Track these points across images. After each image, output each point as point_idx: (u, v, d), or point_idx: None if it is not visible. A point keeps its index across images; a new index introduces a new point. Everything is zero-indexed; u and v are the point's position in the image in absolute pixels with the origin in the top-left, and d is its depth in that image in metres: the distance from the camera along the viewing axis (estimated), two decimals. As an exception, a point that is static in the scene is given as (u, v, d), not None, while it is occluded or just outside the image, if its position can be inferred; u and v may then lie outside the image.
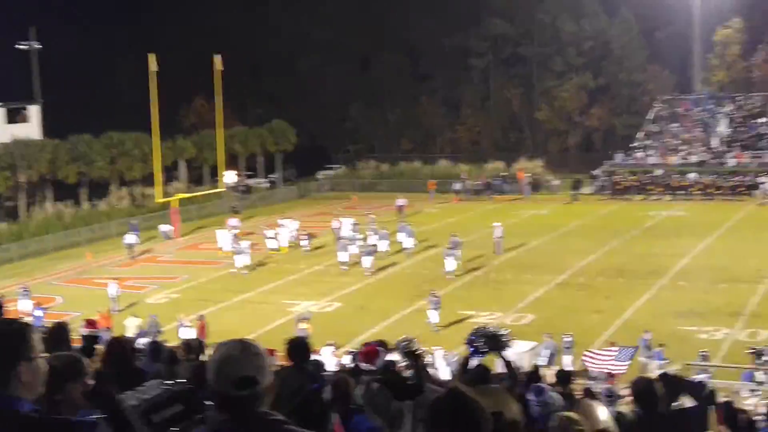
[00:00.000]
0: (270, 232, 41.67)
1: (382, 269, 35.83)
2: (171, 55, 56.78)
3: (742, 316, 27.12)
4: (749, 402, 17.22)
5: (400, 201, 51.18)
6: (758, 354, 21.29)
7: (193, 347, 10.24)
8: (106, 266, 39.76)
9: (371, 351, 8.63)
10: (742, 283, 31.12)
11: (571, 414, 4.85)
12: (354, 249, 36.99)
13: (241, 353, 3.16)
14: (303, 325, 24.99)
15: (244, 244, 37.91)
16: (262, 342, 3.45)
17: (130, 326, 26.08)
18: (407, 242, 38.54)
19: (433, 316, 27.03)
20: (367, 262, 35.52)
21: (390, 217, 47.10)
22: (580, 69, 73.41)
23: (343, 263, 36.18)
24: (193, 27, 79.06)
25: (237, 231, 42.03)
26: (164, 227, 46.60)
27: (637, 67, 72.47)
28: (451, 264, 33.30)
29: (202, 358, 10.08)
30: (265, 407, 3.16)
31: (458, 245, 35.38)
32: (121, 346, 7.40)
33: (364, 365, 8.45)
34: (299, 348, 7.60)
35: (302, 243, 40.72)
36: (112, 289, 31.14)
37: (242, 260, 36.60)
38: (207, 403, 3.18)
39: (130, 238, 41.81)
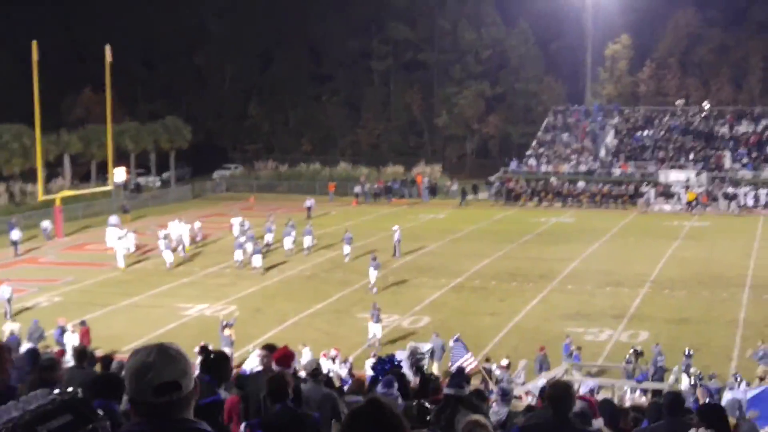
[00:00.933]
0: (162, 233, 39.57)
1: (278, 269, 35.74)
2: (57, 44, 54.10)
3: (624, 318, 28.32)
4: (630, 398, 18.13)
5: (308, 202, 51.42)
6: (638, 354, 22.43)
7: (85, 354, 10.05)
8: None
9: (287, 354, 8.68)
10: (625, 286, 32.55)
11: (479, 417, 4.98)
12: (248, 247, 36.87)
13: (160, 357, 2.98)
14: (227, 332, 24.39)
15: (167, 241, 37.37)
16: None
17: (5, 332, 24.59)
18: (307, 241, 39.21)
19: (375, 329, 25.72)
20: (257, 261, 35.62)
21: (296, 218, 46.87)
22: (478, 77, 74.94)
23: (237, 262, 36.32)
24: (82, 15, 75.97)
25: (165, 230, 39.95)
26: (45, 223, 43.75)
27: (532, 78, 74.57)
28: (372, 275, 31.96)
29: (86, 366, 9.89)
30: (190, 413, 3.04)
31: (350, 240, 37.61)
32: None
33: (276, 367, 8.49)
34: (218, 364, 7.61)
35: (179, 249, 38.45)
36: (5, 291, 29.08)
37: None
38: (99, 412, 3.08)
39: (15, 234, 39.85)
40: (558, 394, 6.21)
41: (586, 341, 25.39)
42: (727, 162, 58.05)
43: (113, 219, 43.24)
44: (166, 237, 38.06)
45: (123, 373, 3.06)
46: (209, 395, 7.26)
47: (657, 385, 19.89)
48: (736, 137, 61.22)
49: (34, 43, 42.08)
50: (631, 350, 22.81)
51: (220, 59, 78.90)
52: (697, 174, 56.40)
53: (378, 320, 25.30)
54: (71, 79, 69.45)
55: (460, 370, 8.12)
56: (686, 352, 21.75)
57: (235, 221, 42.13)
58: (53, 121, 53.85)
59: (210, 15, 78.71)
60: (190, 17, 77.99)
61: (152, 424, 2.96)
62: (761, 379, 19.89)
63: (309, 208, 50.75)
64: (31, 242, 42.84)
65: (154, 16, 76.78)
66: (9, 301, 28.99)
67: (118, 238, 38.26)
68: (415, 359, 8.46)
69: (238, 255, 36.40)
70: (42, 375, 7.39)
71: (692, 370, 20.83)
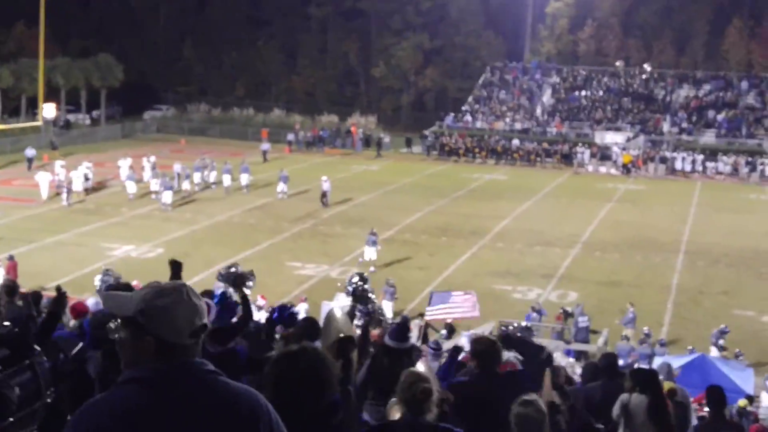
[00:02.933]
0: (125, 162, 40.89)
1: (206, 214, 35.17)
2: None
3: (554, 277, 28.56)
4: (562, 361, 18.21)
5: (264, 146, 52.11)
6: (567, 314, 22.58)
7: (13, 289, 9.55)
8: None
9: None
10: (556, 246, 32.75)
11: (420, 371, 4.80)
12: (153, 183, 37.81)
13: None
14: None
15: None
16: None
17: None
18: (245, 179, 40.53)
19: (369, 253, 28.16)
20: (166, 197, 36.03)
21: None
22: (417, 29, 74.30)
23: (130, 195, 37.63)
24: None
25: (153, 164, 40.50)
26: None
27: (472, 32, 74.17)
28: (370, 252, 29.10)
29: (17, 301, 9.42)
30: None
31: (286, 179, 39.22)
32: None
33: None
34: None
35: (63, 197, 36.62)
36: None
37: (167, 195, 35.97)
38: (35, 347, 2.88)
39: (30, 152, 41.97)
40: (484, 349, 6.09)
41: (515, 299, 25.60)
42: (666, 126, 58.30)
43: (29, 152, 44.60)
44: (130, 167, 39.56)
45: (142, 308, 2.82)
46: None
47: (586, 347, 20.04)
48: (676, 101, 61.56)
49: None
50: (560, 310, 22.95)
51: (155, -2, 76.86)
52: (634, 136, 56.77)
53: (392, 298, 23.74)
54: (4, 13, 66.95)
55: (404, 320, 7.98)
56: (722, 328, 21.26)
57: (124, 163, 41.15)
58: (-16, 54, 52.39)
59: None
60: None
61: (173, 366, 2.80)
62: (627, 338, 20.28)
63: (265, 152, 51.39)
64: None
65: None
66: None
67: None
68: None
69: (131, 187, 37.54)
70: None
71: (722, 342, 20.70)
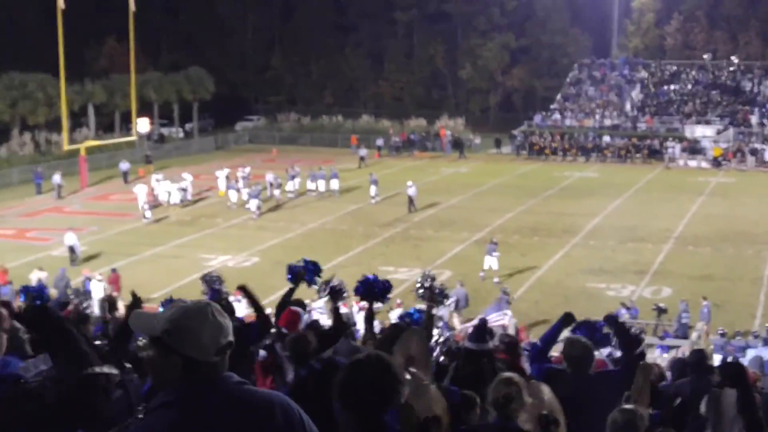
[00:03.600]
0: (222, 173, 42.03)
1: (300, 222, 35.86)
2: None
3: (647, 274, 28.17)
4: (654, 357, 18.05)
5: (362, 151, 53.07)
6: (661, 311, 22.29)
7: (114, 304, 10.15)
8: (6, 216, 37.91)
9: (293, 317, 8.60)
10: (649, 242, 32.31)
11: (512, 375, 4.74)
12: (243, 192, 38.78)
13: (220, 316, 2.95)
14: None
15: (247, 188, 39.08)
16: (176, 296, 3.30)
17: (33, 279, 24.92)
18: (334, 184, 41.53)
19: (490, 262, 27.30)
20: (253, 205, 37.06)
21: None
22: (503, 29, 73.95)
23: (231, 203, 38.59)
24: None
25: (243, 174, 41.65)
26: (56, 178, 42.42)
27: (558, 30, 73.42)
28: (490, 262, 27.95)
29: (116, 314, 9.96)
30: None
31: (376, 182, 40.04)
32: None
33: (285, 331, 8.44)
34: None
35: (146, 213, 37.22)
36: (71, 238, 29.47)
37: (254, 203, 37.17)
38: (126, 365, 3.01)
39: (57, 178, 41.58)
40: (579, 354, 6.16)
41: (609, 297, 25.35)
42: (754, 118, 57.02)
43: (123, 165, 45.83)
44: (227, 177, 41.03)
45: (169, 328, 2.92)
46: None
47: (680, 342, 19.79)
48: (763, 93, 60.02)
49: None
50: (654, 307, 22.66)
51: (243, 9, 78.55)
52: (724, 129, 55.59)
53: (507, 306, 23.05)
54: (95, 29, 69.26)
55: (483, 322, 8.08)
56: None
57: (221, 174, 42.10)
58: (77, 70, 53.85)
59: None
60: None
61: (202, 385, 2.90)
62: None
63: (362, 158, 52.31)
64: (51, 193, 42.91)
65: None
66: (73, 248, 29.42)
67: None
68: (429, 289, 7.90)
69: (233, 196, 38.57)
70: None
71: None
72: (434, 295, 7.85)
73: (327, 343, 7.55)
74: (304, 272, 8.33)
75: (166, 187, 39.68)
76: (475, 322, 9.68)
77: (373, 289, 8.02)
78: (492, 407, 4.63)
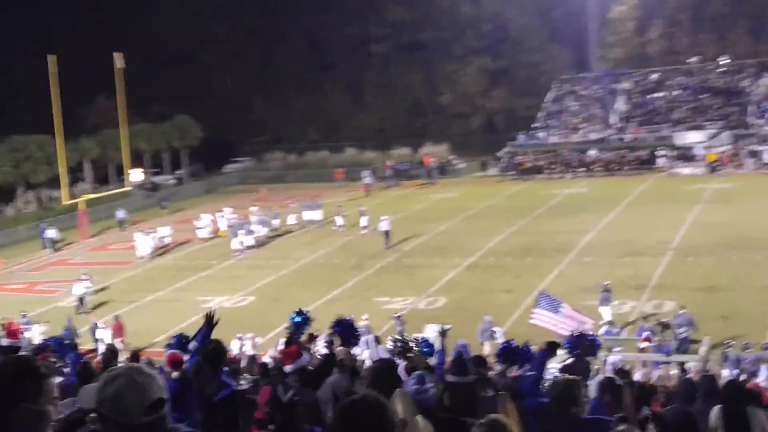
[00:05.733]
0: (200, 223, 43.08)
1: (292, 258, 35.77)
2: (69, 54, 54.90)
3: (647, 288, 27.70)
4: (657, 374, 17.61)
5: (368, 179, 54.10)
6: (664, 326, 21.70)
7: (116, 354, 10.02)
8: (16, 272, 39.16)
9: (293, 352, 8.55)
10: (646, 255, 31.81)
11: (499, 417, 4.53)
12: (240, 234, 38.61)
13: (143, 377, 3.02)
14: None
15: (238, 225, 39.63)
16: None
17: (35, 334, 25.03)
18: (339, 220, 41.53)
19: (605, 313, 24.00)
20: (234, 244, 37.87)
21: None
22: (479, 52, 74.33)
23: (234, 251, 38.04)
24: (89, 24, 77.14)
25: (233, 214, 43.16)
26: (51, 232, 44.37)
27: (535, 48, 73.82)
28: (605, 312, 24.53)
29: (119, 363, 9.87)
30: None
31: (363, 212, 40.18)
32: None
33: (288, 367, 8.36)
34: (214, 355, 7.53)
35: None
36: (80, 288, 30.33)
37: (240, 240, 37.84)
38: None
39: (51, 233, 43.49)
40: (557, 392, 5.99)
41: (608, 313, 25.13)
42: (750, 118, 55.99)
43: (120, 213, 48.14)
44: (212, 223, 42.37)
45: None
46: (217, 389, 7.17)
47: (684, 358, 19.15)
48: (758, 92, 58.82)
49: (52, 58, 44.14)
50: (656, 322, 22.17)
51: (223, 57, 79.57)
52: (717, 133, 54.38)
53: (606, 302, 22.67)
54: (86, 88, 70.21)
55: (460, 353, 7.92)
56: None
57: (227, 211, 43.76)
58: (72, 128, 55.38)
59: (210, 16, 79.50)
60: (192, 19, 78.83)
61: None
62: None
63: (368, 185, 53.61)
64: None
65: (157, 22, 78.02)
66: (82, 299, 30.24)
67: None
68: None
69: (235, 244, 38.23)
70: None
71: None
72: (408, 349, 8.11)
73: (314, 377, 7.49)
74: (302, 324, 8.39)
75: (146, 241, 39.64)
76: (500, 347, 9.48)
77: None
78: None
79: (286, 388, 7.56)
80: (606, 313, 23.93)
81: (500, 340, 21.36)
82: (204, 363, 7.53)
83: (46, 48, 46.81)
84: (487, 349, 20.91)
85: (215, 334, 8.39)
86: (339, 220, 41.41)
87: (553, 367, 9.13)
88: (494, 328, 22.67)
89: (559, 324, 18.64)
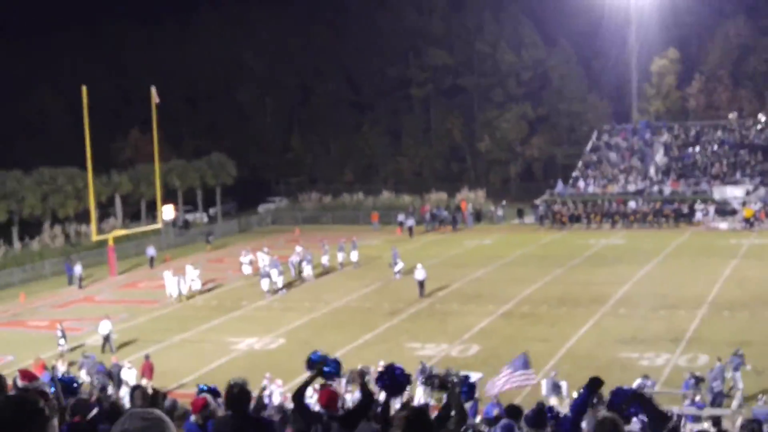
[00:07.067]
0: (245, 258, 42.81)
1: (324, 301, 35.50)
2: (103, 86, 55.45)
3: (682, 341, 27.36)
4: (693, 428, 17.27)
5: (409, 221, 54.31)
6: (697, 380, 21.34)
7: (157, 397, 9.81)
8: (40, 308, 38.42)
9: (332, 394, 8.27)
10: (682, 309, 31.50)
11: None
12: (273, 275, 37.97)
13: (161, 425, 2.97)
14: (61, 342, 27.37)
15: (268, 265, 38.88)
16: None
17: (59, 370, 24.47)
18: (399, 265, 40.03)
19: (738, 379, 22.12)
20: (264, 284, 37.27)
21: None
22: (520, 99, 74.41)
23: (265, 292, 37.35)
24: (125, 58, 78.29)
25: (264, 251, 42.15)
26: (77, 269, 43.39)
27: (576, 97, 73.74)
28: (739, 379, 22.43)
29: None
30: None
31: (397, 255, 39.52)
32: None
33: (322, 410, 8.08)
34: (239, 396, 7.27)
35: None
36: (106, 327, 29.55)
37: (267, 283, 37.25)
38: None
39: (78, 269, 42.66)
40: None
41: (642, 367, 24.59)
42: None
43: (150, 251, 46.93)
44: (251, 263, 41.69)
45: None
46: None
47: (719, 412, 18.90)
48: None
49: (84, 89, 43.48)
50: (689, 375, 21.76)
51: (261, 95, 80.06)
52: (754, 189, 54.69)
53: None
54: (119, 122, 71.07)
55: (540, 406, 7.58)
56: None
57: (261, 255, 42.21)
58: (104, 162, 55.04)
59: (248, 52, 79.97)
60: (230, 56, 79.43)
61: None
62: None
63: (411, 228, 53.55)
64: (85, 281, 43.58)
65: (195, 57, 78.68)
66: (108, 337, 29.48)
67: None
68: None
69: (264, 284, 37.53)
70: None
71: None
72: (442, 381, 7.71)
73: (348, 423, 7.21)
74: (324, 363, 7.99)
75: (175, 283, 38.39)
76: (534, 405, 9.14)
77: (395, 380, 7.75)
78: None
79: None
80: (738, 379, 22.09)
81: (565, 392, 21.16)
82: (226, 407, 7.29)
83: (80, 80, 46.17)
84: (554, 402, 20.41)
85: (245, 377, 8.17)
86: (397, 266, 39.77)
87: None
88: (561, 383, 22.18)
89: (512, 379, 19.08)
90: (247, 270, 42.07)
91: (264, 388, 21.30)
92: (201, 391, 8.88)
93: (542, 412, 6.48)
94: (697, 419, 18.40)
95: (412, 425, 5.62)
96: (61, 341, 29.04)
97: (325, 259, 42.39)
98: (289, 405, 17.01)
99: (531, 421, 6.30)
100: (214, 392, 8.98)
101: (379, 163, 78.67)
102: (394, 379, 7.37)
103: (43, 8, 78.04)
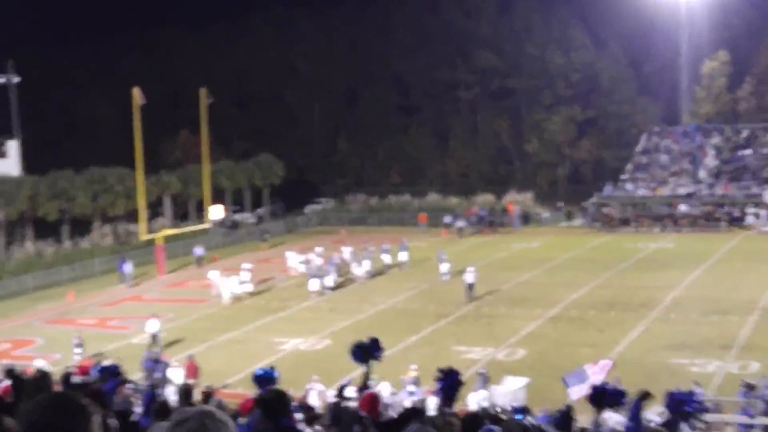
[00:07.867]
0: (299, 258, 43.35)
1: (371, 302, 35.54)
2: (155, 88, 56.12)
3: (733, 348, 26.89)
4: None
5: (459, 223, 54.65)
6: (750, 387, 20.95)
7: (189, 393, 9.91)
8: (89, 306, 38.86)
9: (373, 398, 8.23)
10: (733, 314, 30.93)
11: None
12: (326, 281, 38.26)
13: (212, 423, 2.95)
14: (78, 350, 27.01)
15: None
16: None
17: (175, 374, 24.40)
18: (445, 268, 39.98)
19: None
20: (312, 285, 37.50)
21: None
22: (568, 101, 73.77)
23: (312, 292, 37.57)
24: (176, 59, 79.50)
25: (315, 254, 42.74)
26: (128, 267, 43.75)
27: (625, 100, 72.90)
28: None
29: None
30: None
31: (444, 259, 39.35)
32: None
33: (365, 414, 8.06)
34: (273, 404, 7.23)
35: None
36: (153, 326, 29.80)
37: (316, 283, 37.64)
38: None
39: (127, 267, 43.17)
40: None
41: (693, 373, 24.20)
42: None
43: (198, 250, 47.43)
44: (307, 261, 41.76)
45: None
46: None
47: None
48: None
49: (135, 90, 44.03)
50: (741, 383, 21.35)
51: (309, 97, 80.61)
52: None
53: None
54: (170, 122, 71.97)
55: (568, 408, 7.46)
56: None
57: (312, 256, 42.78)
58: (153, 163, 55.78)
59: (297, 56, 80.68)
60: (279, 59, 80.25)
61: None
62: None
63: (461, 229, 53.82)
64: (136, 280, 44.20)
65: (244, 60, 79.62)
66: (156, 336, 29.69)
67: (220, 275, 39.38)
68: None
69: (314, 285, 37.70)
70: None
71: None
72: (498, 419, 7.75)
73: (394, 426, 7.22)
74: (368, 349, 8.05)
75: (228, 284, 38.45)
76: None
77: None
78: None
79: None
80: None
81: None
82: (261, 413, 7.26)
83: (131, 82, 46.73)
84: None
85: (286, 378, 8.19)
86: (444, 267, 39.86)
87: (652, 420, 8.72)
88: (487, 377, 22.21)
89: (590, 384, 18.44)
90: (301, 269, 42.10)
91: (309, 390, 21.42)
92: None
93: (568, 416, 6.41)
94: (748, 428, 18.05)
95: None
96: (77, 349, 28.51)
97: (366, 264, 41.69)
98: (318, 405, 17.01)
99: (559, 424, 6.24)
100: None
101: (426, 166, 78.59)
102: (455, 384, 7.32)
103: (97, 13, 79.63)
